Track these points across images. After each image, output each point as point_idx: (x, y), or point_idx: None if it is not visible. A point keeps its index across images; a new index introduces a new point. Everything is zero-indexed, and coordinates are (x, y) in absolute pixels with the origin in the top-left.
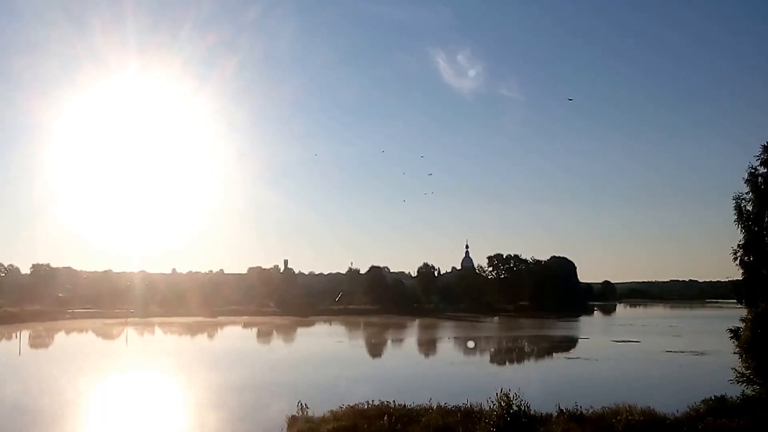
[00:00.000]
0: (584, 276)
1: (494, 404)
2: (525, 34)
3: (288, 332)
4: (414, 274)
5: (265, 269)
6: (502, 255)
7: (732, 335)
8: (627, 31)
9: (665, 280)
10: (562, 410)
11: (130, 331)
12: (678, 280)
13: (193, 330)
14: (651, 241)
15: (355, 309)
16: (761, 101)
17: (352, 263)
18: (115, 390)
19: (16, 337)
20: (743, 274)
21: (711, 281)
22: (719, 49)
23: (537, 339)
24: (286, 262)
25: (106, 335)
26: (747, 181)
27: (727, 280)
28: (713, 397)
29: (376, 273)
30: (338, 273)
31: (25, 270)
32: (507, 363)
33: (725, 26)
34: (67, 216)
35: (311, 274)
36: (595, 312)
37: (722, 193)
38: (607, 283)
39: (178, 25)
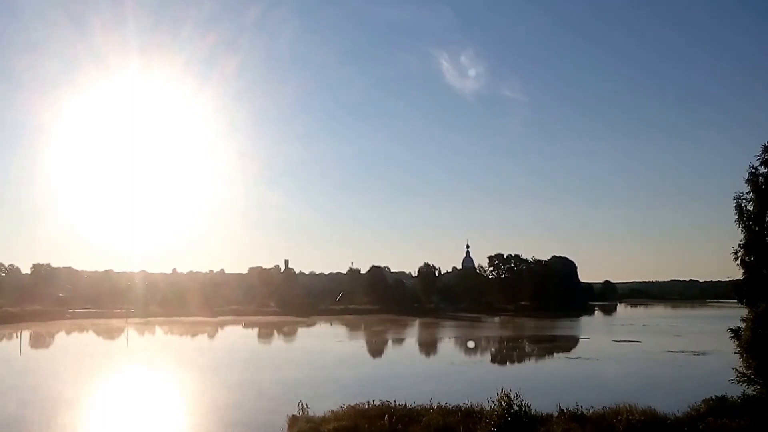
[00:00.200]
0: (585, 276)
1: (495, 404)
2: (527, 35)
3: (288, 332)
4: (414, 273)
5: (265, 269)
6: (502, 255)
7: (733, 335)
8: (629, 31)
9: (666, 279)
10: (562, 410)
11: (131, 331)
12: (679, 280)
13: (193, 330)
14: (652, 241)
15: (356, 309)
16: (762, 101)
17: (352, 263)
18: (115, 390)
19: (17, 337)
20: (744, 273)
21: (712, 281)
22: (720, 49)
23: (538, 339)
24: (286, 261)
25: (107, 335)
26: (748, 180)
27: (727, 279)
28: (714, 397)
29: (377, 273)
30: (339, 273)
31: (26, 270)
32: (507, 363)
33: (726, 26)
34: (67, 216)
35: (312, 274)
36: (596, 312)
37: (723, 193)
38: (607, 282)
39: (179, 25)
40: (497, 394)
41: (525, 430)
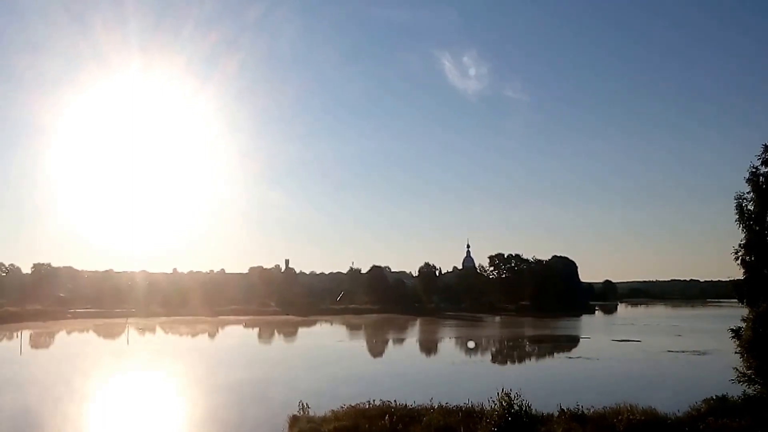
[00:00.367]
0: (585, 275)
1: (495, 404)
2: (530, 36)
3: (289, 332)
4: (415, 273)
5: (266, 269)
6: (503, 254)
7: (733, 335)
8: (630, 31)
9: (666, 279)
10: (563, 410)
11: (131, 331)
12: (679, 280)
13: (194, 330)
14: (652, 240)
15: (357, 308)
16: (763, 100)
17: (353, 263)
18: (115, 390)
19: (17, 336)
20: (744, 273)
21: (712, 281)
22: (722, 48)
23: (538, 338)
24: (287, 261)
25: (107, 335)
26: (748, 180)
27: (728, 279)
28: (714, 397)
29: (378, 272)
30: (339, 272)
31: (26, 269)
32: (508, 363)
33: (728, 26)
34: (68, 215)
35: (312, 274)
36: (596, 311)
37: (723, 193)
38: (608, 282)
39: (181, 24)
40: (498, 393)
41: (525, 429)
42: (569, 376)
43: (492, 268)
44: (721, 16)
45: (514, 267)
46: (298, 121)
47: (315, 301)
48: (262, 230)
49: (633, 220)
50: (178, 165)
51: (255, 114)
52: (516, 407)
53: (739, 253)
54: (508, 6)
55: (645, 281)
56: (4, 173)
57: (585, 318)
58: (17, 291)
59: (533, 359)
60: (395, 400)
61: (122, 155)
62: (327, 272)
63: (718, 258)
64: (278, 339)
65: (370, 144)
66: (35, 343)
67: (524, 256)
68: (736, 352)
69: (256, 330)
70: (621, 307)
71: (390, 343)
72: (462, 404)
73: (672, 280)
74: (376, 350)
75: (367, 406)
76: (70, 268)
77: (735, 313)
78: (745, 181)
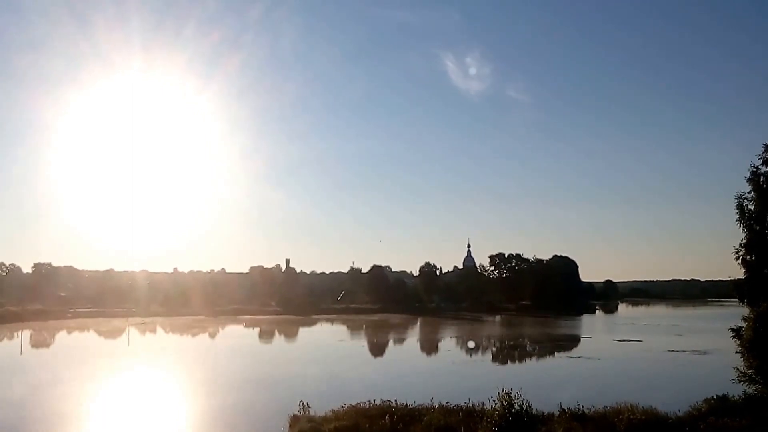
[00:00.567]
0: (586, 275)
1: (496, 403)
2: (532, 36)
3: (289, 331)
4: (416, 273)
5: (266, 268)
6: (504, 254)
7: (734, 334)
8: (633, 31)
9: (667, 279)
10: (564, 409)
11: (132, 331)
12: (680, 280)
13: (194, 329)
14: (653, 240)
15: (357, 308)
16: (764, 100)
17: (354, 262)
18: (115, 389)
19: (18, 336)
20: (745, 273)
21: (713, 280)
22: (723, 48)
23: (539, 338)
24: (287, 261)
25: (108, 334)
26: (749, 180)
27: (729, 279)
28: (715, 397)
29: (378, 272)
30: (340, 272)
31: (27, 269)
32: (509, 362)
33: (730, 25)
34: (69, 215)
35: (313, 273)
36: (597, 311)
37: (724, 192)
38: (608, 282)
39: (182, 24)
40: (498, 393)
41: (526, 429)
42: (570, 375)
43: (493, 268)
44: (723, 16)
45: (514, 267)
46: (300, 121)
47: (316, 301)
48: (262, 230)
49: (634, 220)
50: (178, 164)
51: (256, 113)
52: (517, 407)
53: (740, 253)
54: (511, 7)
55: (646, 281)
56: (5, 172)
57: (586, 318)
58: (18, 290)
59: (534, 359)
60: (396, 400)
61: (123, 154)
62: (328, 272)
63: (719, 257)
64: (279, 338)
65: (371, 143)
66: (35, 343)
67: (525, 256)
68: (736, 352)
69: (257, 329)
70: (622, 307)
71: (390, 342)
72: (462, 404)
73: (673, 280)
74: (377, 350)
75: (367, 406)
76: (70, 267)
77: (736, 313)
78: (745, 181)
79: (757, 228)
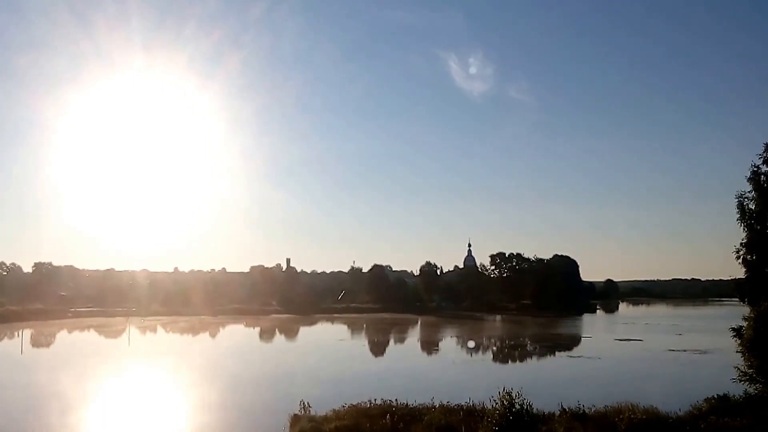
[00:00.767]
0: (587, 275)
1: (496, 403)
2: (535, 37)
3: (290, 331)
4: (416, 272)
5: (267, 268)
6: (504, 254)
7: (735, 334)
8: (635, 32)
9: (668, 278)
10: (564, 409)
11: (132, 330)
12: (680, 279)
13: (195, 329)
14: (653, 239)
15: (358, 307)
16: (764, 100)
17: (354, 262)
18: (116, 389)
19: (18, 335)
20: (746, 272)
21: (714, 280)
22: (724, 48)
23: (539, 338)
24: (288, 260)
25: (108, 334)
26: (750, 179)
27: (729, 278)
28: (716, 396)
29: (379, 271)
30: (340, 271)
31: (27, 268)
32: (509, 362)
33: (731, 25)
34: (69, 214)
35: (314, 273)
36: (598, 310)
37: (725, 192)
38: (609, 281)
39: (183, 23)
40: (499, 392)
41: (527, 428)
42: (570, 375)
43: (493, 267)
44: (723, 15)
45: (515, 266)
46: (300, 120)
47: (316, 300)
48: (263, 229)
49: (634, 219)
50: (179, 163)
51: (257, 112)
52: (517, 406)
53: (741, 252)
54: (514, 8)
55: (646, 280)
56: (6, 172)
57: (586, 317)
58: (18, 290)
59: (534, 358)
60: (396, 399)
61: (124, 154)
62: (328, 271)
63: (720, 257)
64: (279, 338)
65: (372, 143)
66: (36, 343)
67: (525, 255)
68: (737, 351)
69: (257, 329)
70: (622, 306)
71: (391, 342)
72: (463, 403)
73: (673, 279)
74: (377, 349)
75: (368, 405)
76: (71, 267)
77: (736, 312)
78: (746, 180)
79: (758, 227)
